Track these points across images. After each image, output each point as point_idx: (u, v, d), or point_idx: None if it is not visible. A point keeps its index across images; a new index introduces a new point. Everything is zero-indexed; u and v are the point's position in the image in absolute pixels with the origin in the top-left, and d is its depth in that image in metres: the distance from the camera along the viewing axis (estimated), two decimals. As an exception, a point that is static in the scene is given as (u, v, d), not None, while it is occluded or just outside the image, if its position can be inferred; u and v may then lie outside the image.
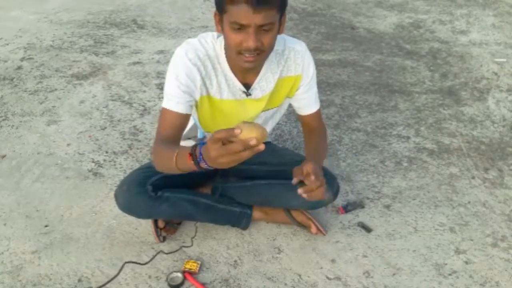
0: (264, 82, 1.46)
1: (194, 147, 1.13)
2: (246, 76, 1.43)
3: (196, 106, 1.47)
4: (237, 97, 1.46)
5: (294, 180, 1.36)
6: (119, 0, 3.86)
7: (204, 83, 1.41)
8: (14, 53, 2.93)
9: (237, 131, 0.99)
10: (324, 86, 2.68)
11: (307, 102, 1.56)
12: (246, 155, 0.99)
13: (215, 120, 1.51)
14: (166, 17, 3.57)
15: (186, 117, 1.40)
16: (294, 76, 1.49)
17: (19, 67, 2.77)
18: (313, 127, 1.61)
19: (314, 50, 3.07)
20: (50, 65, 2.80)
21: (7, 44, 3.05)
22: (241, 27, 1.22)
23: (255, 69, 1.42)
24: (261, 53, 1.28)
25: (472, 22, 3.62)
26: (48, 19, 3.47)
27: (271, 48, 1.31)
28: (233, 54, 1.30)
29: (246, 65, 1.31)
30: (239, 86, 1.43)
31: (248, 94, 1.45)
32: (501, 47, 3.21)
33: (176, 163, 1.18)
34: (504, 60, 3.02)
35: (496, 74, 2.86)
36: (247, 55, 1.27)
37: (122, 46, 3.07)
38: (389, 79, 2.79)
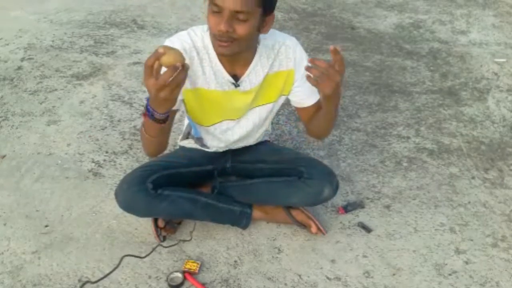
0: (254, 75, 1.46)
1: (145, 106, 1.27)
2: (235, 67, 1.44)
3: (183, 100, 1.49)
4: (225, 88, 1.46)
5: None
6: (119, 0, 3.86)
7: (189, 76, 1.41)
8: (14, 53, 2.93)
9: (160, 50, 1.12)
10: (324, 86, 2.68)
11: (305, 95, 1.54)
12: (180, 76, 1.15)
13: (204, 111, 1.52)
14: (166, 17, 3.57)
15: (172, 115, 1.44)
16: (286, 70, 1.49)
17: (19, 67, 2.77)
18: (313, 116, 1.58)
19: (314, 50, 3.07)
20: (50, 65, 2.80)
21: (7, 44, 3.05)
22: (218, 10, 1.25)
23: (242, 61, 1.43)
24: (234, 42, 1.29)
25: (472, 22, 3.62)
26: (48, 19, 3.47)
27: (245, 39, 1.30)
28: (212, 38, 1.32)
29: (220, 50, 1.32)
30: (227, 77, 1.44)
31: (236, 85, 1.45)
32: (501, 47, 3.21)
33: (145, 131, 1.34)
34: (504, 60, 3.02)
35: (496, 74, 2.86)
36: (219, 39, 1.28)
37: (122, 46, 3.07)
38: (389, 79, 2.79)
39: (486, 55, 3.09)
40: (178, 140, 1.81)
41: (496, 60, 3.03)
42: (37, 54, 2.92)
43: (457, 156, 2.14)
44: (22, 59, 2.86)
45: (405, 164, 2.08)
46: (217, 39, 1.29)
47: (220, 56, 1.39)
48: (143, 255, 1.57)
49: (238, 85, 1.46)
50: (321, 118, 1.48)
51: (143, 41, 3.15)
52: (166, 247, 1.60)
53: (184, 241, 1.63)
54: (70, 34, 3.22)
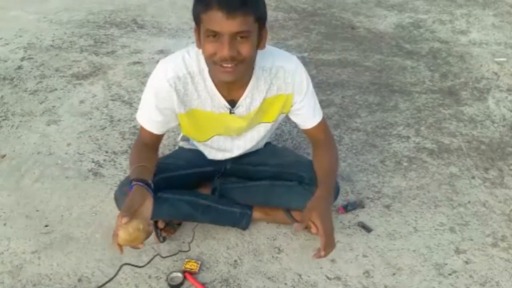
0: (250, 100, 1.42)
1: (129, 185, 1.32)
2: (232, 91, 1.39)
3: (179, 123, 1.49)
4: (221, 111, 1.43)
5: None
6: (119, 0, 3.87)
7: (183, 101, 1.40)
8: (14, 53, 2.93)
9: (119, 239, 1.23)
10: (324, 86, 2.68)
11: (304, 117, 1.53)
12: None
13: (198, 128, 1.51)
14: (166, 17, 3.57)
15: (158, 136, 1.49)
16: (284, 94, 1.45)
17: (19, 67, 2.77)
18: (318, 140, 1.58)
19: (314, 50, 3.07)
20: (50, 65, 2.80)
21: (7, 44, 3.05)
22: (215, 35, 1.18)
23: (239, 84, 1.37)
24: (240, 64, 1.23)
25: (472, 22, 3.62)
26: (48, 19, 3.47)
27: (250, 58, 1.25)
28: (211, 66, 1.26)
29: (225, 77, 1.25)
30: (223, 103, 1.40)
31: (232, 112, 1.43)
32: (501, 47, 3.21)
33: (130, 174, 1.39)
34: (504, 59, 3.02)
35: (496, 74, 2.86)
36: (224, 65, 1.22)
37: (122, 46, 3.07)
38: (389, 79, 2.79)
39: (486, 55, 3.09)
40: (178, 139, 1.81)
41: (496, 59, 3.03)
42: (37, 53, 2.93)
43: (457, 156, 2.14)
44: (22, 59, 2.86)
45: (405, 164, 2.08)
46: (220, 65, 1.22)
47: (221, 82, 1.34)
48: (143, 256, 1.57)
49: (233, 112, 1.43)
50: None
51: (143, 41, 3.15)
52: (164, 257, 1.57)
53: (183, 251, 1.60)
54: (70, 34, 3.23)
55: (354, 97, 2.59)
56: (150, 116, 1.44)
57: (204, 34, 1.20)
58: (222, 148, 1.59)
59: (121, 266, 1.53)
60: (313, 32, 3.39)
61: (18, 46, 3.02)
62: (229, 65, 1.22)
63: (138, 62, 2.86)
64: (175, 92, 1.37)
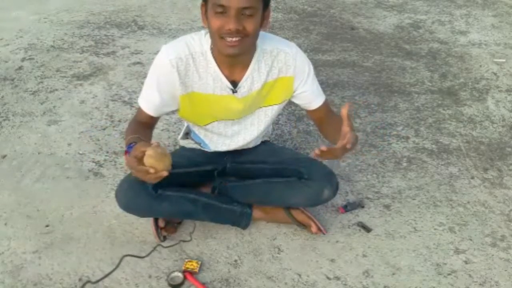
0: (251, 80, 1.46)
1: (128, 147, 1.30)
2: (234, 72, 1.43)
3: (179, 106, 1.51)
4: (223, 92, 1.46)
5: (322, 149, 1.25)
6: (120, 1, 3.87)
7: (185, 83, 1.42)
8: (14, 54, 2.93)
9: (146, 160, 1.17)
10: (324, 86, 2.67)
11: (310, 99, 1.56)
12: (148, 178, 1.20)
13: (197, 112, 1.53)
14: (166, 17, 3.58)
15: (154, 118, 1.51)
16: (286, 77, 1.49)
17: (20, 68, 2.77)
18: (323, 118, 1.60)
19: (314, 50, 3.08)
20: (50, 65, 2.81)
21: (8, 45, 3.06)
22: (222, 10, 1.24)
23: (241, 63, 1.42)
24: (244, 38, 1.29)
25: (471, 23, 3.63)
26: (48, 20, 3.48)
27: (254, 34, 1.31)
28: (216, 40, 1.31)
29: (230, 51, 1.30)
30: (226, 83, 1.44)
31: (234, 91, 1.45)
32: (501, 48, 3.22)
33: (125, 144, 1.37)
34: (504, 60, 3.03)
35: (495, 74, 2.87)
36: (229, 39, 1.27)
37: (123, 46, 3.08)
38: (389, 80, 2.80)
39: (486, 55, 3.10)
40: (178, 138, 1.82)
41: (496, 60, 3.03)
42: (37, 54, 2.93)
43: (456, 156, 2.15)
44: (23, 59, 2.86)
45: (404, 164, 2.08)
46: (226, 39, 1.28)
47: (225, 57, 1.37)
48: (143, 254, 1.58)
49: (236, 91, 1.46)
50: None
51: (144, 41, 3.16)
52: (166, 247, 1.60)
53: (184, 241, 1.63)
54: (71, 34, 3.23)
55: (354, 97, 2.60)
56: (149, 98, 1.47)
57: (211, 9, 1.26)
58: (223, 133, 1.60)
59: (122, 257, 1.55)
60: (313, 33, 3.39)
61: (19, 47, 3.02)
62: (234, 39, 1.27)
63: (139, 63, 2.86)
64: (177, 73, 1.40)
